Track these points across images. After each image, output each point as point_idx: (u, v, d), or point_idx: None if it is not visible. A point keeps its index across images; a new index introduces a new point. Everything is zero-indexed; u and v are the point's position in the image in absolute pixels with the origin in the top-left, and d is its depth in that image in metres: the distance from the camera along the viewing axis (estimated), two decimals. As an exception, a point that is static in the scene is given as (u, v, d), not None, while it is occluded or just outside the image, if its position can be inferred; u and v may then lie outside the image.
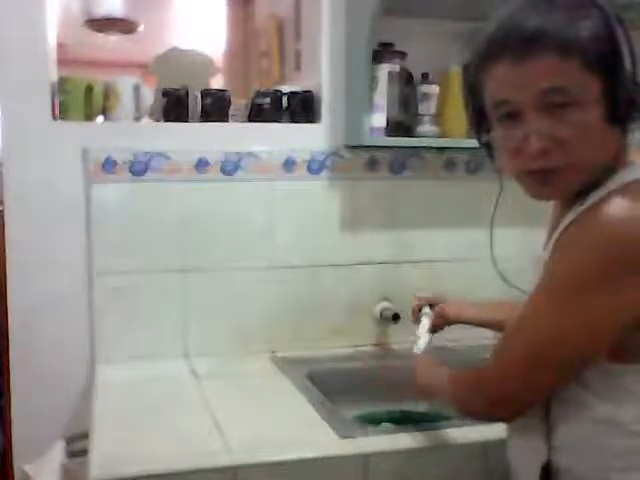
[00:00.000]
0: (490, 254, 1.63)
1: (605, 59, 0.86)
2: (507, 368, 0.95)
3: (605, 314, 0.86)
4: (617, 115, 0.88)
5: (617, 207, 0.86)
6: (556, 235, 0.94)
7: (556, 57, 0.85)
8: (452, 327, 1.39)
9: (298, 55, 2.01)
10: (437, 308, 1.39)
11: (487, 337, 1.49)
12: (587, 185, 0.92)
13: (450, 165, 1.82)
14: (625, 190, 0.88)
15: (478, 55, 0.94)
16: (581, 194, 0.92)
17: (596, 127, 0.88)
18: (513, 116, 0.91)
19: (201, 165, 1.65)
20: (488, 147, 1.01)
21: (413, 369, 1.23)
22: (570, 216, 0.92)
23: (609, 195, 0.88)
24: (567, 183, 0.91)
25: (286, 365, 1.61)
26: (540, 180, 0.92)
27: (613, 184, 0.90)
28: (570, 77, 0.86)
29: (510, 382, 0.94)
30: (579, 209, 0.91)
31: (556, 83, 0.86)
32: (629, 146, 0.94)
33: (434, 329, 1.39)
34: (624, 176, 0.90)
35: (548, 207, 1.05)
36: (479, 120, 0.99)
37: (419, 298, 1.44)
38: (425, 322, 1.38)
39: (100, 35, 3.53)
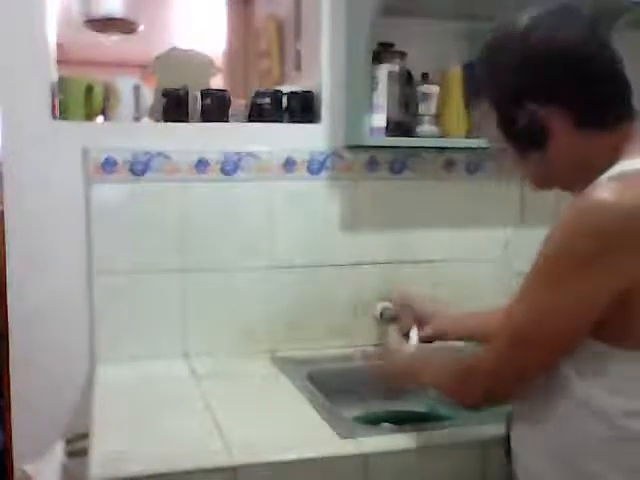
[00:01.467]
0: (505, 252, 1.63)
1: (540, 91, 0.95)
2: (500, 349, 0.97)
3: (591, 289, 0.88)
4: (589, 121, 0.95)
5: (600, 189, 0.90)
6: None
7: (487, 106, 1.01)
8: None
9: (298, 55, 2.01)
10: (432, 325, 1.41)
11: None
12: (586, 180, 0.96)
13: (450, 165, 1.82)
14: (611, 178, 0.92)
15: None
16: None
17: (564, 150, 0.96)
18: None
19: (201, 165, 1.65)
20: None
21: (391, 356, 1.27)
22: None
23: (590, 188, 0.92)
24: (563, 186, 1.02)
25: (286, 365, 1.61)
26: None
27: (605, 175, 0.93)
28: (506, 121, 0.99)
29: (501, 364, 0.97)
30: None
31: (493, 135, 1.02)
32: (632, 140, 0.96)
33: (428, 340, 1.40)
34: (615, 169, 0.93)
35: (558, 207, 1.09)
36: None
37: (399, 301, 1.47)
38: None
39: (100, 35, 3.54)
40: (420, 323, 1.41)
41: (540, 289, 0.93)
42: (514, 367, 0.97)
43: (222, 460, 1.12)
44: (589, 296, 0.89)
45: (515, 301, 0.96)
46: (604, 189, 0.89)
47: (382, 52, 1.67)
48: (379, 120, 1.65)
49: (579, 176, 0.96)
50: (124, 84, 1.64)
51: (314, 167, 1.72)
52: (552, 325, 0.92)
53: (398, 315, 1.47)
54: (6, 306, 1.58)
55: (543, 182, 1.04)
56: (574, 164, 0.97)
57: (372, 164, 1.76)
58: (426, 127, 1.71)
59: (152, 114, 1.68)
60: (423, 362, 1.19)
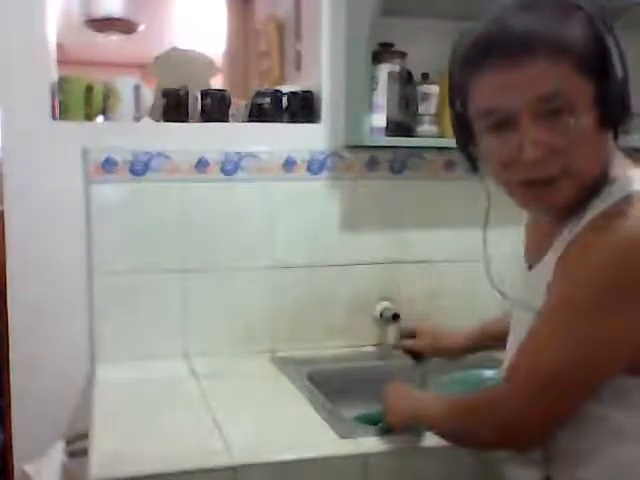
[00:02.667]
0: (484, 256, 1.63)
1: (595, 63, 0.84)
2: (527, 393, 0.89)
3: (623, 331, 0.83)
4: (609, 120, 0.85)
5: (624, 223, 0.82)
6: (557, 253, 0.90)
7: (548, 61, 0.83)
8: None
9: (298, 55, 2.01)
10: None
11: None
12: (579, 197, 0.88)
13: (450, 165, 1.82)
14: (627, 203, 0.84)
15: (463, 61, 0.91)
16: (573, 207, 0.89)
17: (590, 133, 0.85)
18: (503, 125, 0.87)
19: (201, 165, 1.65)
20: (471, 159, 0.98)
21: (386, 395, 1.21)
22: (569, 232, 0.90)
23: (611, 209, 0.85)
24: (563, 193, 0.88)
25: (286, 365, 1.61)
26: (535, 190, 0.89)
27: (611, 197, 0.86)
28: (563, 81, 0.83)
29: (529, 406, 0.89)
30: (579, 224, 0.88)
31: (552, 88, 0.83)
32: (618, 156, 0.92)
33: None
34: (621, 188, 0.87)
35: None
36: (462, 130, 0.96)
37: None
38: None
39: (100, 35, 3.54)
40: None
41: (575, 328, 0.85)
42: (548, 407, 0.89)
43: (222, 460, 1.12)
44: (625, 332, 0.83)
45: (544, 338, 0.88)
46: (632, 216, 0.82)
47: (382, 52, 1.67)
48: (379, 120, 1.65)
49: (581, 185, 0.88)
50: (124, 84, 1.64)
51: (314, 167, 1.72)
52: (599, 360, 0.85)
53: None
54: (6, 306, 1.58)
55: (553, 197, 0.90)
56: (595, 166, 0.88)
57: (372, 164, 1.76)
58: (426, 127, 1.71)
59: (152, 114, 1.68)
60: (429, 401, 1.10)
